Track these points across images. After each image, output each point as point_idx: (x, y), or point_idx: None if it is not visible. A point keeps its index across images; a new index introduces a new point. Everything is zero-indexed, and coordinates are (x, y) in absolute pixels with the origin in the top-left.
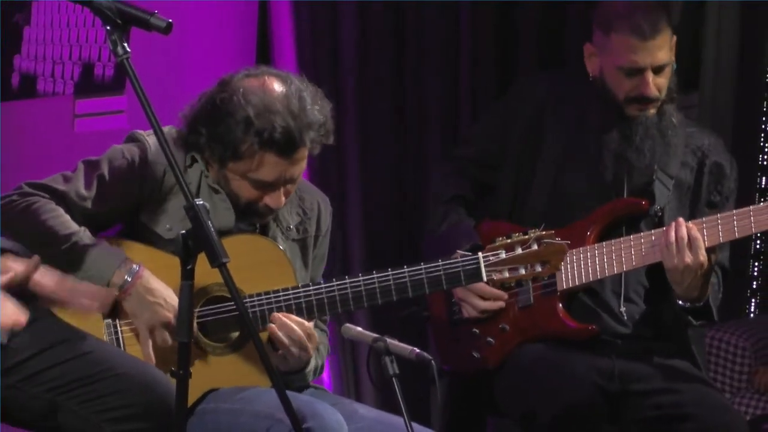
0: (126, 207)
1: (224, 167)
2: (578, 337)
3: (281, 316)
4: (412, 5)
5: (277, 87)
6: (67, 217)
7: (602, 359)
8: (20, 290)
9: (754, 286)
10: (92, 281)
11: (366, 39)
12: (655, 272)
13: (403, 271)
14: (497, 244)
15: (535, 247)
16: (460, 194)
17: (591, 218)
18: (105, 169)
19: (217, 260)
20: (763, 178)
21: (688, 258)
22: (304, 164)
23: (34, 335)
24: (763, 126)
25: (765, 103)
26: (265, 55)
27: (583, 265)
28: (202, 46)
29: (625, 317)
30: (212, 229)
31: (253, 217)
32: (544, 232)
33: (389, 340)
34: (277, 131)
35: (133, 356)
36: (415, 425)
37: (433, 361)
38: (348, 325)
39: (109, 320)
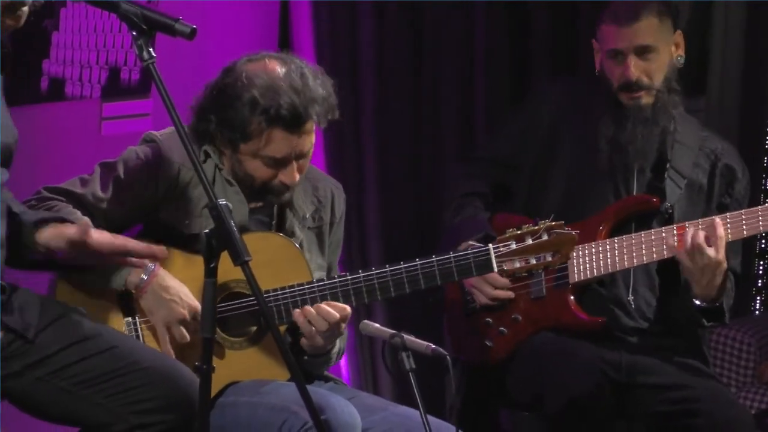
0: (144, 206)
1: (236, 150)
2: (588, 328)
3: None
4: (428, 5)
5: (279, 67)
6: (84, 217)
7: (610, 351)
8: (81, 254)
9: (759, 285)
10: (109, 281)
11: (383, 38)
12: (666, 267)
13: (415, 263)
14: (507, 235)
15: (545, 237)
16: (477, 191)
17: (603, 214)
18: (121, 171)
19: (239, 258)
20: None
21: (710, 255)
22: (312, 138)
23: (61, 330)
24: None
25: None
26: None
27: (595, 259)
28: (225, 49)
29: (633, 306)
30: (235, 229)
31: (269, 197)
32: (553, 223)
33: (406, 336)
34: (282, 107)
35: (157, 350)
36: (430, 417)
37: (448, 357)
38: (366, 321)
39: (129, 318)
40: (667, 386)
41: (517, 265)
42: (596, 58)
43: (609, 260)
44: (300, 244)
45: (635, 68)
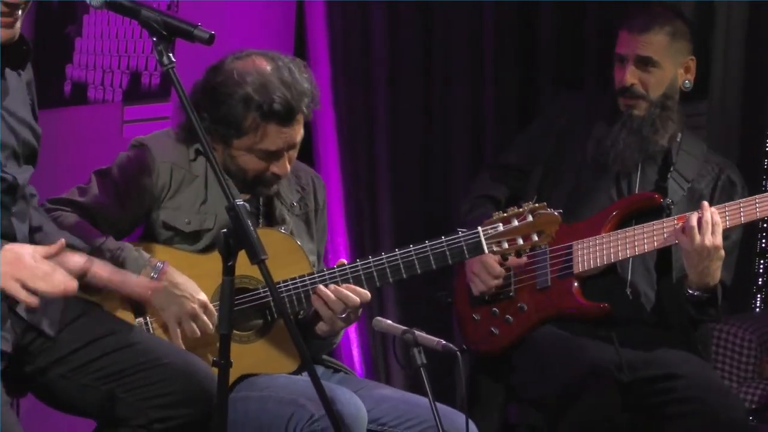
0: (143, 208)
1: (230, 146)
2: (590, 313)
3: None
4: (438, 6)
5: (267, 64)
6: (90, 227)
7: (612, 351)
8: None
9: (760, 283)
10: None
11: (395, 39)
12: (665, 264)
13: (409, 249)
14: (494, 218)
15: (530, 218)
16: (492, 195)
17: (607, 211)
18: (116, 176)
19: (256, 257)
20: None
21: (708, 240)
22: (302, 130)
23: (84, 327)
24: None
25: None
26: (300, 55)
27: (598, 250)
28: None
29: (631, 298)
30: (251, 228)
31: (260, 188)
32: (537, 204)
33: (417, 332)
34: (275, 102)
35: (176, 347)
36: (440, 405)
37: (458, 352)
38: (379, 318)
39: (140, 318)
40: (662, 377)
41: (506, 246)
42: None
43: (612, 250)
44: (291, 231)
45: (631, 75)
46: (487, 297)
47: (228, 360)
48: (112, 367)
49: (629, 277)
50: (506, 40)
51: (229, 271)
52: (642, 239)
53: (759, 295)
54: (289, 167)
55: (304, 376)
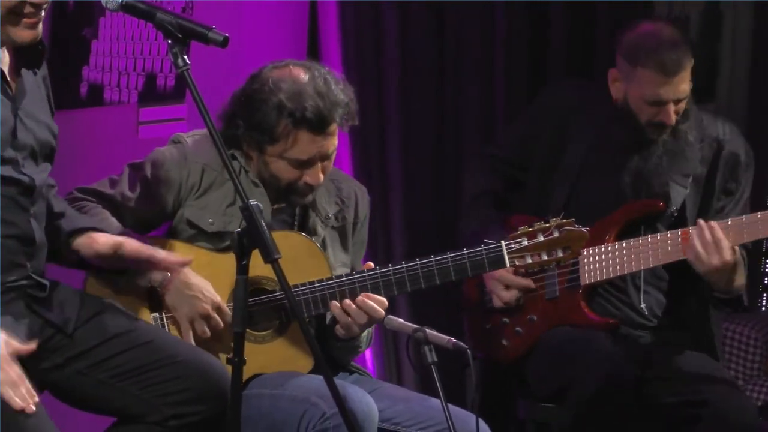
0: (170, 205)
1: (263, 152)
2: (599, 328)
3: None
4: (450, 5)
5: (303, 73)
6: (113, 219)
7: (625, 346)
8: (110, 261)
9: (766, 282)
10: (135, 279)
11: (407, 38)
12: (673, 265)
13: (430, 260)
14: (519, 232)
15: (556, 234)
16: (490, 190)
17: (610, 219)
18: (148, 171)
19: (270, 256)
20: None
21: (716, 260)
22: (336, 140)
23: (100, 325)
24: None
25: None
26: (312, 55)
27: (605, 262)
28: (256, 54)
29: (647, 313)
30: (265, 228)
31: (294, 197)
32: (564, 220)
33: (428, 331)
34: (308, 110)
35: (191, 344)
36: (451, 407)
37: (468, 350)
38: (390, 317)
39: (156, 314)
40: (676, 378)
41: (529, 260)
42: (615, 88)
43: (618, 264)
44: (323, 242)
45: (675, 111)
46: (495, 307)
47: (242, 358)
48: (128, 364)
49: (641, 285)
50: (517, 39)
51: (242, 270)
52: (648, 253)
53: (765, 295)
54: (322, 177)
55: (317, 374)
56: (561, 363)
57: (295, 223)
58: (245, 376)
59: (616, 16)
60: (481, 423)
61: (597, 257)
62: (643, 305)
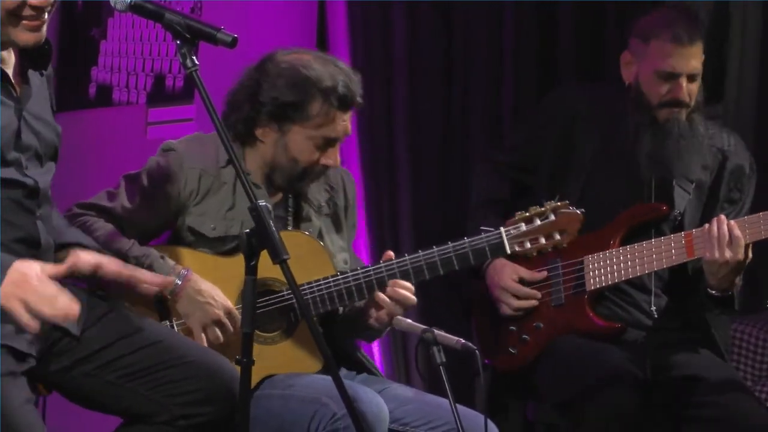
0: (170, 213)
1: (287, 132)
2: (606, 333)
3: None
4: (458, 5)
5: (321, 56)
6: (116, 231)
7: (634, 351)
8: (91, 280)
9: None
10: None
11: (415, 38)
12: (674, 266)
13: (432, 251)
14: (517, 218)
15: (552, 217)
16: (497, 198)
17: (614, 223)
18: (145, 181)
19: (278, 257)
20: None
21: (728, 254)
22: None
23: (108, 326)
24: None
25: None
26: None
27: (610, 267)
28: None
29: (656, 315)
30: (274, 229)
31: (306, 180)
32: (559, 203)
33: (437, 332)
34: (339, 87)
35: (200, 345)
36: (460, 407)
37: (477, 351)
38: (399, 317)
39: (165, 321)
40: (682, 378)
41: (528, 245)
42: (627, 71)
43: (623, 268)
44: (319, 231)
45: (687, 91)
46: (504, 316)
47: (250, 359)
48: (136, 364)
49: (652, 287)
50: (526, 39)
51: (251, 270)
52: (652, 257)
53: None
54: (339, 159)
55: (327, 374)
56: (570, 373)
57: (289, 217)
58: (255, 377)
59: (625, 17)
60: (490, 423)
61: (601, 262)
62: (653, 308)
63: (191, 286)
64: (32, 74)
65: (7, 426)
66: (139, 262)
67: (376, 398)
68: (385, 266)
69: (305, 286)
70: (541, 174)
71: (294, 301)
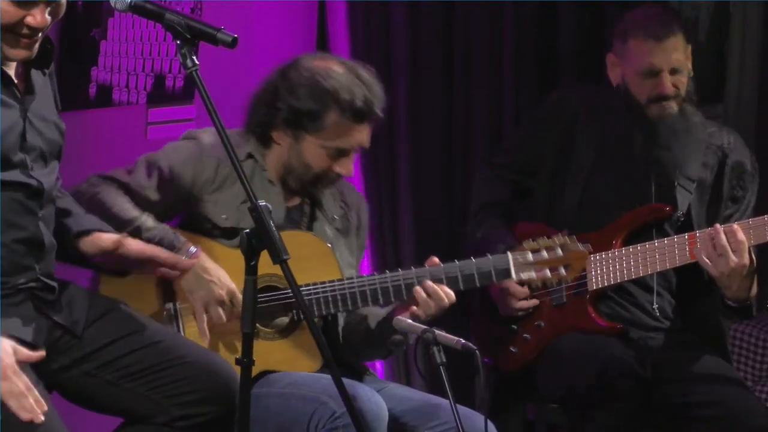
0: (183, 198)
1: (300, 140)
2: (607, 333)
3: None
4: (459, 6)
5: (346, 65)
6: (131, 204)
7: (636, 348)
8: (114, 261)
9: None
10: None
11: (416, 40)
12: (680, 266)
13: (438, 268)
14: (525, 246)
15: (559, 252)
16: (497, 200)
17: (617, 224)
18: (163, 164)
19: (278, 257)
20: None
21: (733, 261)
22: (369, 134)
23: (108, 326)
24: None
25: None
26: None
27: (612, 267)
28: (265, 55)
29: (658, 314)
30: (274, 229)
31: (318, 187)
32: (567, 238)
33: (437, 332)
34: (357, 99)
35: (199, 345)
36: (459, 407)
37: (477, 351)
38: (399, 317)
39: (170, 304)
40: (686, 380)
41: (533, 275)
42: (614, 72)
43: (625, 269)
44: (330, 243)
45: (670, 85)
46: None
47: (250, 358)
48: (136, 365)
49: (654, 287)
50: (526, 41)
51: (251, 270)
52: (655, 257)
53: None
54: (353, 169)
55: (326, 374)
56: (570, 371)
57: (304, 221)
58: (254, 372)
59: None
60: (490, 424)
61: (604, 262)
62: (655, 306)
63: (198, 263)
64: (35, 74)
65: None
66: (150, 234)
67: (375, 397)
68: (391, 278)
69: (310, 286)
70: (540, 176)
71: (308, 298)
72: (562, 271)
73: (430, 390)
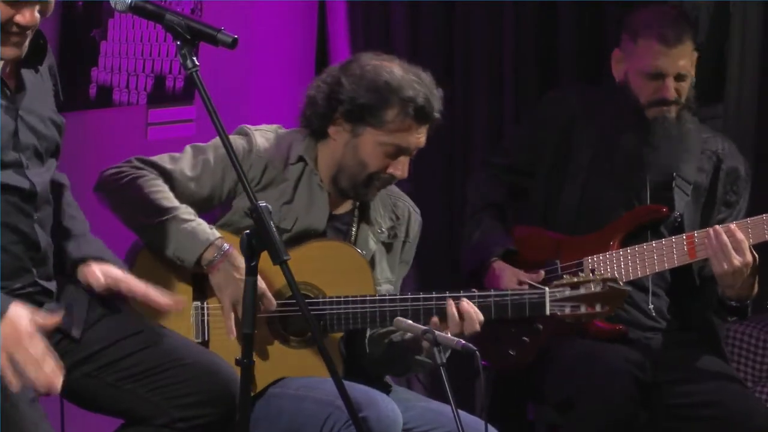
0: (225, 193)
1: (359, 135)
2: (607, 336)
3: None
4: (459, 6)
5: (407, 66)
6: (171, 193)
7: (635, 351)
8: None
9: None
10: (185, 253)
11: (416, 40)
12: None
13: (473, 294)
14: (564, 281)
15: (598, 289)
16: (494, 202)
17: (615, 225)
18: (210, 155)
19: (278, 258)
20: None
21: (737, 261)
22: (425, 137)
23: (108, 327)
24: None
25: None
26: (321, 57)
27: (609, 268)
28: (265, 56)
29: (654, 314)
30: (274, 230)
31: (371, 188)
32: (608, 276)
33: (437, 332)
34: (419, 99)
35: (201, 347)
36: (461, 412)
37: (477, 352)
38: (399, 318)
39: (198, 303)
40: (686, 380)
41: (567, 311)
42: (618, 68)
43: (623, 270)
44: (372, 257)
45: (673, 90)
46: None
47: (251, 359)
48: (136, 366)
49: (650, 286)
50: (526, 41)
51: (251, 271)
52: (653, 258)
53: None
54: (407, 171)
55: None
56: (570, 374)
57: (352, 231)
58: (271, 376)
59: (627, 17)
60: (491, 429)
61: (602, 264)
62: (651, 306)
63: (230, 261)
64: (26, 71)
65: (13, 424)
66: (184, 226)
67: (390, 403)
68: (424, 299)
69: (341, 299)
70: (538, 177)
71: (325, 312)
72: (598, 308)
73: (430, 390)
